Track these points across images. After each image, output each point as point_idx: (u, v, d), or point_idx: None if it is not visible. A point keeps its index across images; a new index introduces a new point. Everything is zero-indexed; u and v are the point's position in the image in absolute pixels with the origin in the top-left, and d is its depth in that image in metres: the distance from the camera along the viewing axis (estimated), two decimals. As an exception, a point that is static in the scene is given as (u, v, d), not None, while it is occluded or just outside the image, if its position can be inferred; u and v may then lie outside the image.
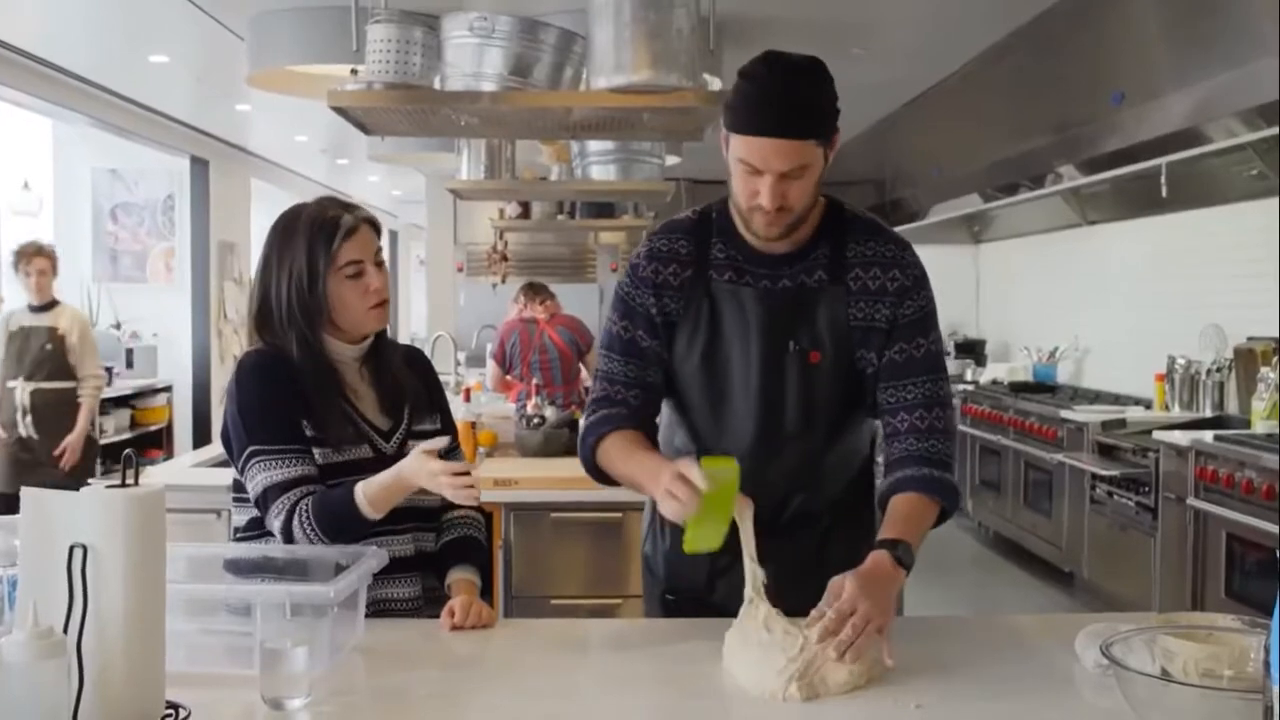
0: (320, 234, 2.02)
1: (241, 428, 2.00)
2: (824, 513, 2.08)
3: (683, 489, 1.69)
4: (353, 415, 2.06)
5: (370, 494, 1.93)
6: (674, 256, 2.02)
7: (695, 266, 2.00)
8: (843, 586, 1.69)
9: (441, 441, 1.99)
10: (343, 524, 1.93)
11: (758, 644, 1.67)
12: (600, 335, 2.09)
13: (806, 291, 1.98)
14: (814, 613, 1.69)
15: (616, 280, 2.08)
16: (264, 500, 1.96)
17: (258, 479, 1.97)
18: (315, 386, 2.02)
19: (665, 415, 2.15)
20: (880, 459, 2.11)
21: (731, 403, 2.00)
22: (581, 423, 2.06)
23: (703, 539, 1.74)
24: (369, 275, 2.05)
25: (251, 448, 1.98)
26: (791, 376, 1.97)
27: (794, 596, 1.97)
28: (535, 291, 6.47)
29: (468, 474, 1.93)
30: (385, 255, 2.16)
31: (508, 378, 6.29)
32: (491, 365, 6.40)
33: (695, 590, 2.06)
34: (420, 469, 1.92)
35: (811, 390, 1.98)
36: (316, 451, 2.00)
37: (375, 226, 2.10)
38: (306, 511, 1.93)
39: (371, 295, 2.05)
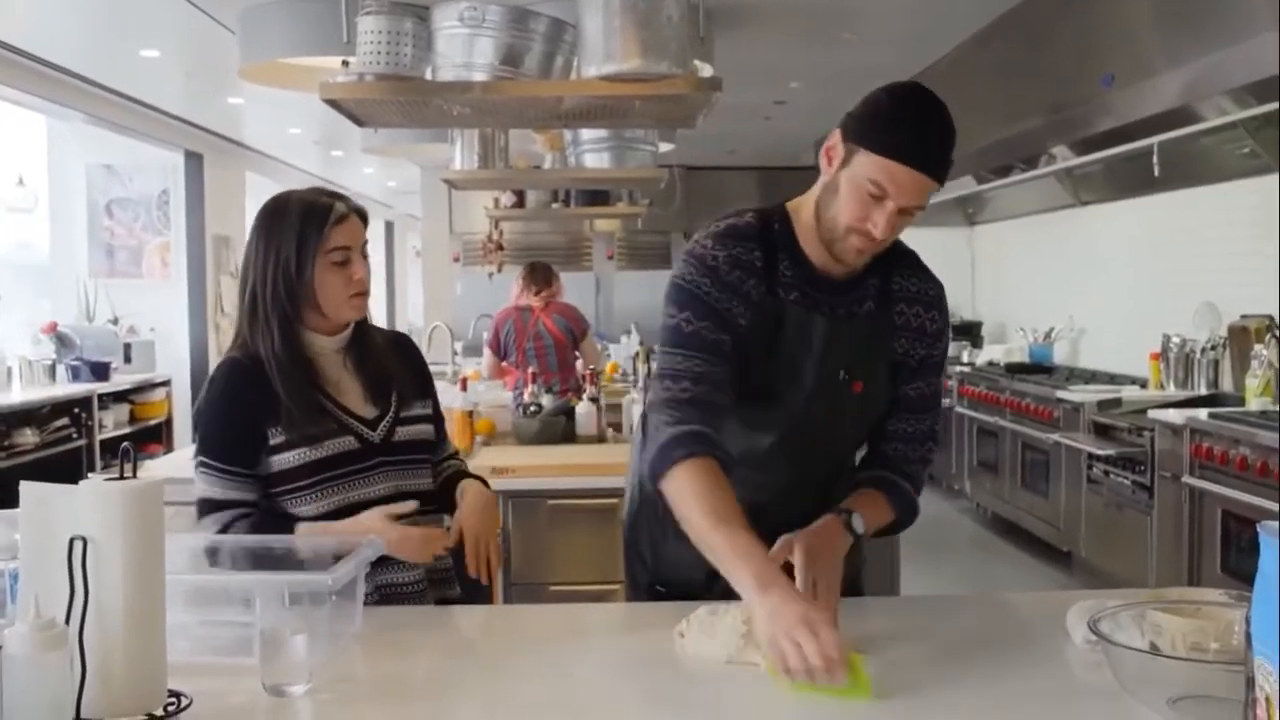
0: (312, 219, 2.03)
1: (199, 434, 2.07)
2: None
3: (823, 661, 1.50)
4: (331, 408, 2.07)
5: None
6: (752, 269, 1.90)
7: (767, 282, 1.91)
8: (791, 545, 1.78)
9: (409, 505, 2.05)
10: None
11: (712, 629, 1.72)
12: (665, 332, 1.91)
13: (859, 320, 1.96)
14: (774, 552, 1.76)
15: (683, 275, 1.91)
16: (199, 508, 2.05)
17: (199, 487, 2.05)
18: (288, 384, 2.02)
19: None
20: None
21: (773, 419, 1.95)
22: (659, 419, 1.85)
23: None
24: (354, 264, 2.06)
25: (201, 457, 2.05)
26: (836, 404, 1.95)
27: None
28: (534, 278, 6.44)
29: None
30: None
31: (504, 364, 6.30)
32: (487, 353, 6.41)
33: (691, 587, 2.01)
34: (389, 534, 1.98)
35: (851, 417, 2.00)
36: (293, 454, 2.02)
37: (364, 218, 2.11)
38: (243, 532, 2.00)
39: (354, 285, 2.07)
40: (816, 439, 1.98)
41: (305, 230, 2.02)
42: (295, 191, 2.11)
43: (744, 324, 1.89)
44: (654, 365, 2.12)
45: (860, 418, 2.02)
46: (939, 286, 2.05)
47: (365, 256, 2.10)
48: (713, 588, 1.92)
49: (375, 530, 1.96)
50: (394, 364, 2.19)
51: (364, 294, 2.09)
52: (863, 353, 1.95)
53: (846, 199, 1.81)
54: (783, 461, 1.97)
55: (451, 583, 2.22)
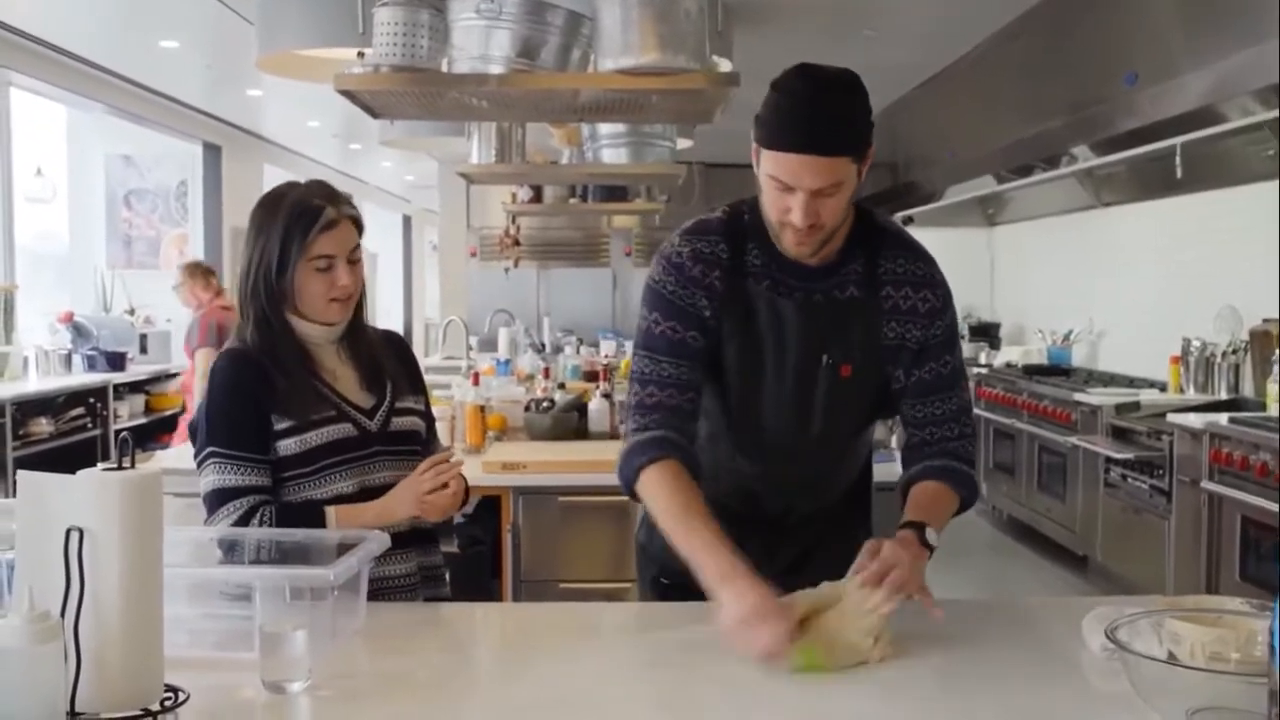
0: (299, 221, 2.02)
1: (205, 430, 2.02)
2: (820, 516, 2.10)
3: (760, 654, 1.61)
4: (329, 395, 2.07)
5: (342, 518, 1.99)
6: (716, 261, 1.94)
7: (734, 273, 1.94)
8: (880, 545, 1.75)
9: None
10: None
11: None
12: (638, 334, 1.98)
13: (840, 305, 1.95)
14: (855, 567, 1.73)
15: (653, 276, 1.97)
16: (213, 500, 1.99)
17: (210, 478, 2.00)
18: (284, 368, 2.03)
19: None
20: (896, 449, 2.13)
21: (760, 409, 1.98)
22: (628, 425, 1.95)
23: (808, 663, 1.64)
24: (337, 272, 2.04)
25: (210, 448, 2.01)
26: (821, 389, 1.95)
27: (780, 589, 2.01)
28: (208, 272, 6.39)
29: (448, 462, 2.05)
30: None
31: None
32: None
33: (690, 577, 2.03)
34: (405, 493, 2.02)
35: (840, 403, 1.97)
36: (294, 440, 2.01)
37: (358, 224, 2.09)
38: (269, 517, 1.97)
39: (335, 290, 2.05)
40: (812, 424, 1.98)
41: (290, 233, 2.01)
42: (294, 187, 2.09)
43: (710, 316, 1.92)
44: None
45: (857, 403, 2.00)
46: (929, 264, 2.00)
47: (355, 262, 2.07)
48: None
49: (406, 501, 2.01)
50: (387, 356, 2.20)
51: (344, 300, 2.07)
52: (847, 337, 1.94)
53: (767, 196, 1.85)
54: (780, 450, 1.98)
55: (442, 581, 2.21)
